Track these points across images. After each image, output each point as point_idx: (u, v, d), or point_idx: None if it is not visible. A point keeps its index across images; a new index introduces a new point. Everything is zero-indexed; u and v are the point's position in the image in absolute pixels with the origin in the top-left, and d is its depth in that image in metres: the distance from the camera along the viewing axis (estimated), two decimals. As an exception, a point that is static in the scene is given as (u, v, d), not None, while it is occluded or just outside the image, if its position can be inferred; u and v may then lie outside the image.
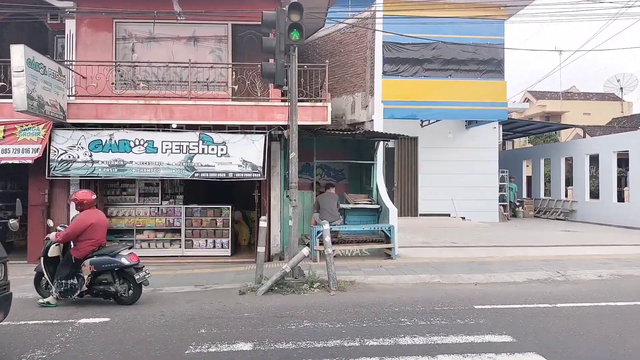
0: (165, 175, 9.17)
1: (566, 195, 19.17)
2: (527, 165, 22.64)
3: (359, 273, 7.82)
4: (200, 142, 9.24)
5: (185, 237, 10.26)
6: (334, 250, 7.21)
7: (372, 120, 10.56)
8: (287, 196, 7.44)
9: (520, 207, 19.67)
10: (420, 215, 16.88)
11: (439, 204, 16.97)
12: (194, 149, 9.21)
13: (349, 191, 11.15)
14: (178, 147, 9.20)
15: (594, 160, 17.78)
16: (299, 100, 8.96)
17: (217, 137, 9.26)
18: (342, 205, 9.67)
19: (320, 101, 9.40)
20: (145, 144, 9.21)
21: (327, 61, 9.68)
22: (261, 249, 7.17)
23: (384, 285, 7.21)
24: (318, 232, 8.85)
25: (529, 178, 23.03)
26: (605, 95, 37.24)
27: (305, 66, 9.62)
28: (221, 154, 9.21)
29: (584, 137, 20.17)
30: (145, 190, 10.46)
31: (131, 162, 9.14)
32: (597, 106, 36.70)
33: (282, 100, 9.35)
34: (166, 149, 9.20)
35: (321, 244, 8.86)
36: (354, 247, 9.20)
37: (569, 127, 21.96)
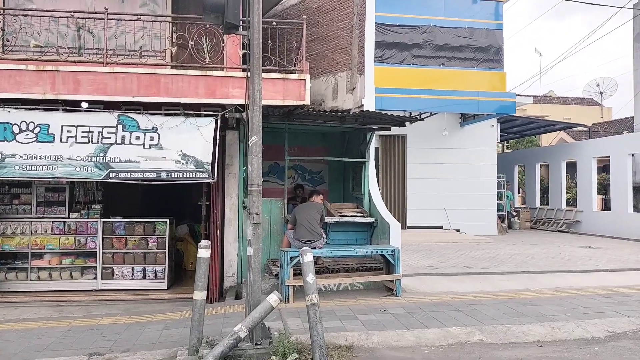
0: (66, 176, 6.17)
1: (568, 205, 17.12)
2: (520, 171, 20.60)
3: (356, 325, 5.10)
4: (120, 127, 6.32)
5: (103, 263, 7.28)
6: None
7: (362, 106, 7.85)
8: (245, 207, 4.68)
9: (517, 218, 17.46)
10: (409, 227, 14.34)
11: (430, 215, 14.51)
12: (109, 137, 6.28)
13: (329, 199, 8.46)
14: (86, 135, 6.25)
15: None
16: (266, 71, 6.24)
17: (144, 120, 6.37)
18: (325, 219, 6.94)
19: (295, 72, 6.68)
20: (37, 130, 6.22)
21: (304, 17, 6.96)
22: (200, 296, 4.33)
23: (402, 352, 4.51)
24: (292, 259, 6.10)
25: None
26: (584, 100, 36.15)
27: (274, 22, 6.88)
28: (150, 145, 6.32)
29: (590, 137, 18.18)
30: (47, 197, 7.43)
31: (13, 155, 6.12)
32: (577, 111, 35.50)
33: (242, 70, 6.56)
34: (68, 137, 6.23)
35: (297, 275, 6.09)
36: (343, 280, 6.46)
37: (576, 127, 20.04)
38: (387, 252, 6.43)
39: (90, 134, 6.27)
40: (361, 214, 7.43)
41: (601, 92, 34.34)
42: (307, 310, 4.14)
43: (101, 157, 6.19)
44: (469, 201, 14.67)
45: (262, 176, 4.66)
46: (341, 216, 7.24)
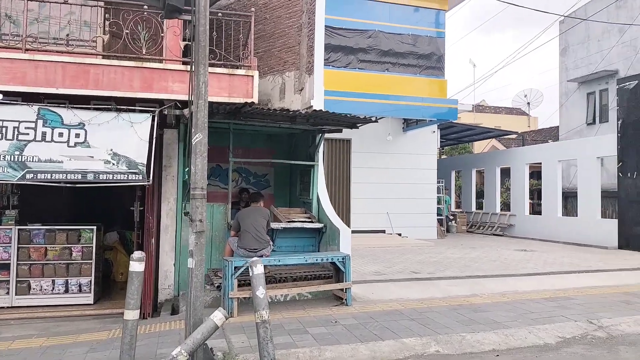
0: (-29, 176, 5.35)
1: (502, 209, 17.83)
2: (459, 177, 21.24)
3: (307, 340, 4.75)
4: (40, 121, 5.58)
5: (17, 276, 6.42)
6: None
7: (311, 107, 7.56)
8: (186, 213, 4.19)
9: (454, 222, 17.93)
10: (353, 232, 14.18)
11: (374, 219, 14.49)
12: (27, 134, 5.52)
13: (275, 204, 8.07)
14: (-2, 130, 5.46)
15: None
16: (211, 65, 5.75)
17: (69, 114, 5.66)
18: (272, 225, 6.54)
19: (242, 68, 6.24)
20: None
21: (253, 9, 6.55)
22: (132, 315, 3.78)
23: (355, 366, 4.22)
24: (236, 269, 5.64)
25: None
26: (513, 110, 38.25)
27: (220, 14, 6.41)
28: (76, 143, 5.62)
29: (523, 145, 19.08)
30: (-51, 201, 6.45)
31: None
32: (506, 120, 37.47)
33: (184, 64, 6.02)
34: (-25, 132, 5.41)
35: (242, 286, 5.65)
36: (291, 290, 6.08)
37: (510, 134, 20.91)
38: (338, 259, 6.14)
39: (3, 129, 5.47)
40: (310, 220, 7.11)
41: (528, 103, 36.45)
42: (257, 328, 3.74)
43: (16, 156, 5.42)
44: (411, 205, 14.82)
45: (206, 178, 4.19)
46: (289, 222, 6.88)
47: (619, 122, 12.65)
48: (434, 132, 15.23)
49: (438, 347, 4.68)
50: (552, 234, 14.53)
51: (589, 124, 21.33)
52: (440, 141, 18.39)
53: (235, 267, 5.64)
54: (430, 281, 7.67)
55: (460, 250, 11.80)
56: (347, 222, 14.14)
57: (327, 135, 9.03)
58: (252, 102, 6.01)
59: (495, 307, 6.08)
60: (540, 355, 4.53)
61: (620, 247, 12.21)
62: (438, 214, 16.03)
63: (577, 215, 14.31)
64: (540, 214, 15.89)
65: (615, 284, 7.48)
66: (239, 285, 5.68)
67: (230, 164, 6.95)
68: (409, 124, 14.84)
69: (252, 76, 6.07)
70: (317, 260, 6.25)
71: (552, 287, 7.25)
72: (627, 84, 12.57)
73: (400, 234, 14.63)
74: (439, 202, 16.23)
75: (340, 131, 7.66)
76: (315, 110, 6.62)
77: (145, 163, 5.70)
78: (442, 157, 26.71)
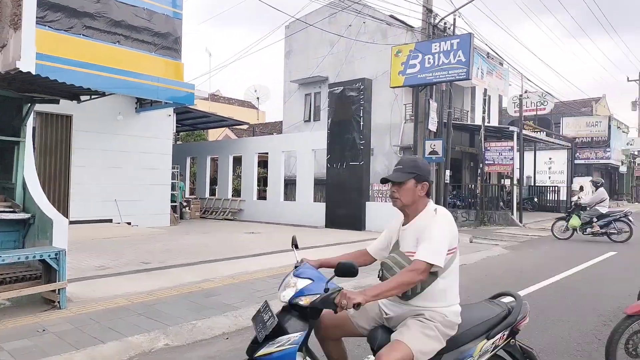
0: None
1: (234, 195, 18.70)
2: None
3: (2, 358, 3.83)
4: None
5: None
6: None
7: (17, 69, 6.14)
8: None
9: (188, 208, 17.86)
10: (73, 222, 12.45)
11: (99, 207, 13.10)
12: None
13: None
14: None
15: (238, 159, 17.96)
16: None
17: None
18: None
19: None
20: None
21: None
22: None
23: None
24: None
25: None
26: (245, 102, 40.61)
27: None
28: None
29: (254, 135, 20.31)
30: None
31: None
32: (239, 111, 39.56)
33: None
34: None
35: None
36: (-19, 298, 4.80)
37: (244, 124, 21.79)
38: (50, 255, 5.18)
39: None
40: (11, 209, 5.78)
41: (258, 98, 39.40)
42: None
43: None
44: (143, 192, 14.00)
45: None
46: (-21, 212, 5.42)
47: (329, 121, 14.88)
48: (169, 115, 14.73)
49: (167, 340, 4.48)
50: (276, 217, 16.09)
51: (306, 121, 24.50)
52: (176, 126, 17.96)
53: None
54: (161, 270, 7.36)
55: (193, 237, 11.80)
56: (65, 212, 12.33)
57: (40, 108, 7.60)
58: None
59: (226, 290, 6.26)
60: (265, 331, 4.86)
61: (327, 226, 14.47)
62: (172, 201, 15.65)
63: (295, 200, 16.24)
64: (266, 199, 17.40)
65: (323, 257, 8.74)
66: None
67: None
68: (142, 104, 13.91)
69: None
70: (19, 258, 5.12)
71: (275, 265, 7.95)
72: (335, 89, 14.87)
73: (130, 223, 13.65)
74: (173, 189, 15.85)
75: (57, 102, 6.50)
76: (21, 72, 5.39)
77: None
78: (178, 142, 26.24)
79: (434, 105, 13.50)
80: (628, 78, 43.91)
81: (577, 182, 24.87)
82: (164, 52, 14.02)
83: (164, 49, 14.12)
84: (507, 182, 22.06)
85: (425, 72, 11.92)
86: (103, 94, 6.04)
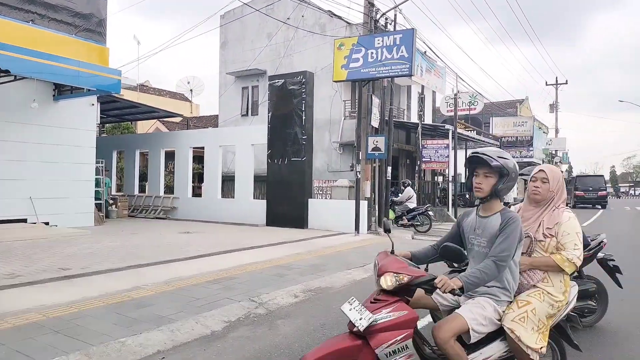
0: None
1: (166, 192, 17.58)
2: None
3: None
4: None
5: None
6: None
7: None
8: None
9: (114, 206, 16.53)
10: (-23, 223, 10.98)
11: (11, 205, 11.71)
12: None
13: None
14: None
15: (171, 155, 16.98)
16: None
17: None
18: None
19: None
20: None
21: None
22: None
23: None
24: None
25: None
26: (177, 95, 38.75)
27: None
28: None
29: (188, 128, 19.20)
30: None
31: None
32: (170, 103, 37.68)
33: None
34: None
35: None
36: None
37: (176, 116, 20.47)
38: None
39: None
40: None
41: (191, 90, 37.78)
42: None
43: None
44: (62, 189, 12.67)
45: None
46: None
47: (269, 115, 14.29)
48: (93, 104, 13.45)
49: (81, 357, 3.79)
50: (213, 215, 15.27)
51: (243, 115, 23.68)
52: (101, 117, 16.53)
53: None
54: (83, 278, 6.50)
55: (120, 238, 10.80)
56: (-33, 211, 10.85)
57: None
58: None
59: (160, 299, 5.58)
60: (207, 347, 4.29)
61: (267, 224, 13.91)
62: (97, 198, 14.37)
63: (234, 197, 15.52)
64: (202, 197, 16.50)
65: (269, 259, 8.24)
66: None
67: None
68: (61, 91, 12.56)
69: None
70: None
71: (214, 269, 7.33)
72: (275, 81, 14.30)
73: (47, 223, 12.30)
74: (97, 185, 14.55)
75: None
76: None
77: None
78: (103, 135, 24.40)
79: (376, 101, 13.37)
80: (546, 82, 47.14)
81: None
82: (86, 35, 12.76)
83: (86, 31, 12.86)
84: (440, 179, 22.65)
85: (368, 66, 11.70)
86: (7, 73, 5.10)
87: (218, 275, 6.92)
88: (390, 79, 14.13)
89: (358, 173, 12.01)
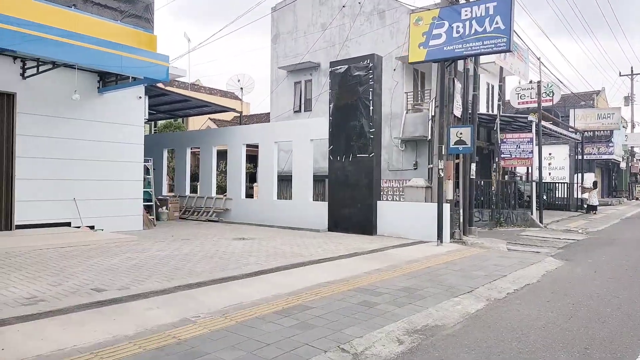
0: None
1: (218, 193, 16.37)
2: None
3: None
4: None
5: None
6: None
7: None
8: None
9: (165, 208, 15.47)
10: (18, 227, 10.05)
11: (52, 207, 10.71)
12: None
13: None
14: None
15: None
16: None
17: None
18: None
19: None
20: None
21: None
22: None
23: None
24: None
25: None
26: (227, 93, 38.06)
27: None
28: None
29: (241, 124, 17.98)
30: None
31: None
32: (221, 102, 36.96)
33: None
34: None
35: None
36: None
37: (229, 110, 19.34)
38: None
39: None
40: None
41: (242, 88, 36.90)
42: None
43: None
44: (109, 189, 11.62)
45: None
46: None
47: (331, 106, 12.65)
48: (140, 97, 12.32)
49: None
50: (268, 218, 13.86)
51: (296, 112, 22.28)
52: (150, 113, 15.52)
53: None
54: (120, 305, 5.08)
55: (170, 245, 9.51)
56: (8, 213, 9.92)
57: None
58: None
59: (215, 343, 4.03)
60: None
61: (330, 229, 12.29)
62: (146, 200, 13.30)
63: (291, 199, 14.02)
64: (253, 197, 15.14)
65: (344, 278, 6.59)
66: None
67: None
68: (106, 82, 11.49)
69: None
70: None
71: (282, 291, 5.75)
72: (338, 67, 12.63)
73: (92, 227, 11.27)
74: (147, 186, 13.49)
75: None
76: None
77: None
78: (154, 132, 23.77)
79: (458, 86, 11.44)
80: (620, 73, 42.87)
81: (588, 178, 23.25)
82: (132, 22, 11.65)
83: (132, 17, 11.76)
84: (518, 178, 20.23)
85: (454, 43, 9.79)
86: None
87: (287, 302, 5.32)
88: (476, 59, 12.11)
89: (440, 171, 10.11)
